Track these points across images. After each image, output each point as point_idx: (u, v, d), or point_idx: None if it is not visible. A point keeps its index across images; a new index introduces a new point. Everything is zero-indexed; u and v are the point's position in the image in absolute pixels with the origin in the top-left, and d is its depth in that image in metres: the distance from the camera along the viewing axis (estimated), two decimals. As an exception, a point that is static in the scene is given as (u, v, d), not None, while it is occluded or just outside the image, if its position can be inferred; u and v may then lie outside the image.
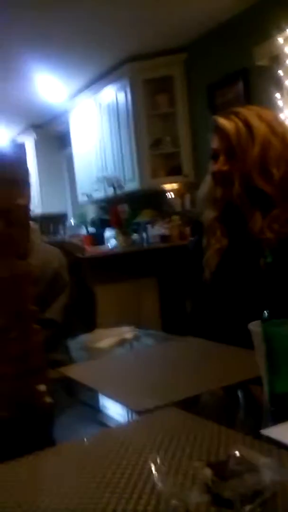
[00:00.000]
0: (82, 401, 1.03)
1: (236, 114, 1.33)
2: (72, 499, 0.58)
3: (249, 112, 1.33)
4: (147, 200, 5.08)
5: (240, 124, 1.30)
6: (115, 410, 0.92)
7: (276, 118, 1.39)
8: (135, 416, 0.83)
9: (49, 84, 5.12)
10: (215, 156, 1.36)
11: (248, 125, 1.30)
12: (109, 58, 4.67)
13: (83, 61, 4.68)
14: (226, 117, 1.33)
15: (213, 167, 1.37)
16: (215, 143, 1.36)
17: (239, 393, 0.93)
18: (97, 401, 0.98)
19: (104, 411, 0.95)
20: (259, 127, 1.29)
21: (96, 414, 0.95)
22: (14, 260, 0.86)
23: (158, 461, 0.59)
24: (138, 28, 4.07)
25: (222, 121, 1.33)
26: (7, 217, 0.87)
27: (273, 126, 1.32)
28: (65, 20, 3.78)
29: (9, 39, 4.02)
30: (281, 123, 1.37)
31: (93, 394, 0.99)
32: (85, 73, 5.01)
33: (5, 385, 0.86)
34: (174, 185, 4.85)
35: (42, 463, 0.69)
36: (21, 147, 0.92)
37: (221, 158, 1.33)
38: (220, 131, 1.33)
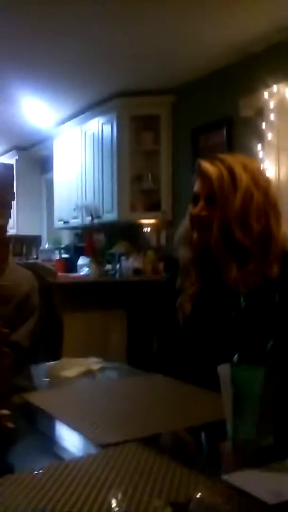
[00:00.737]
0: (43, 429, 1.01)
1: (221, 161, 1.32)
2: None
3: (234, 160, 1.33)
4: (123, 232, 5.12)
5: (224, 171, 1.30)
6: (76, 442, 0.91)
7: (260, 170, 1.39)
8: (96, 450, 0.82)
9: (36, 109, 5.18)
10: (195, 199, 1.36)
11: (232, 174, 1.30)
12: (99, 91, 4.77)
13: (72, 90, 4.76)
14: (211, 162, 1.33)
15: (192, 210, 1.36)
16: (197, 186, 1.36)
17: (202, 435, 0.94)
18: (59, 431, 0.97)
19: (65, 442, 0.94)
20: (243, 178, 1.29)
21: (56, 444, 0.94)
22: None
23: (119, 496, 0.59)
24: (130, 65, 4.19)
25: (206, 166, 1.32)
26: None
27: (257, 178, 1.32)
28: (58, 48, 3.86)
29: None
30: (264, 176, 1.37)
31: (55, 424, 0.97)
32: (73, 102, 5.09)
33: None
34: (152, 221, 4.91)
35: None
36: (9, 169, 0.93)
37: (201, 202, 1.33)
38: (203, 175, 1.33)
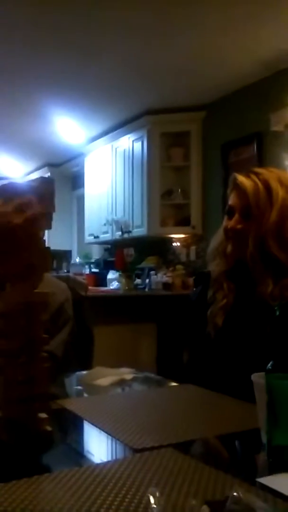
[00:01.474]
0: (79, 434, 1.04)
1: (257, 175, 1.33)
2: (69, 524, 0.59)
3: (270, 175, 1.33)
4: (153, 247, 5.15)
5: (260, 185, 1.31)
6: (111, 447, 0.92)
7: None
8: (131, 454, 0.84)
9: (68, 127, 5.31)
10: (230, 213, 1.37)
11: (268, 188, 1.30)
12: (130, 108, 4.86)
13: (104, 108, 4.87)
14: (247, 175, 1.34)
15: (227, 223, 1.37)
16: (232, 199, 1.37)
17: (236, 443, 0.94)
18: (94, 436, 0.99)
19: (100, 446, 0.95)
20: (279, 192, 1.30)
21: (92, 448, 0.96)
22: (31, 287, 0.90)
23: (157, 494, 0.60)
24: (161, 82, 4.26)
25: (242, 179, 1.33)
26: (32, 246, 0.91)
27: None
28: (90, 67, 3.97)
29: (32, 81, 4.20)
30: None
31: (90, 429, 0.99)
32: (104, 119, 5.20)
33: (9, 408, 0.87)
34: (181, 235, 4.93)
35: (40, 487, 0.69)
36: (49, 182, 0.97)
37: (237, 216, 1.34)
38: (238, 188, 1.34)
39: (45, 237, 0.98)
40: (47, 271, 0.91)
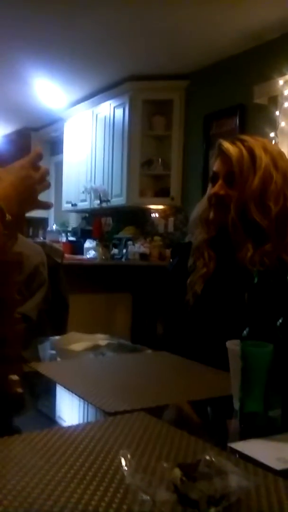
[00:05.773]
0: (51, 397, 1.03)
1: (242, 142, 1.33)
2: (37, 485, 0.58)
3: (255, 142, 1.33)
4: (131, 217, 5.12)
5: (245, 151, 1.30)
6: (83, 410, 0.92)
7: (280, 153, 1.37)
8: (104, 417, 0.83)
9: (48, 90, 5.16)
10: (214, 179, 1.36)
11: (252, 155, 1.30)
12: (112, 73, 4.74)
13: (85, 72, 4.74)
14: (232, 142, 1.33)
15: (211, 189, 1.37)
16: (216, 165, 1.37)
17: (208, 409, 0.95)
18: (66, 399, 0.98)
19: (73, 409, 0.95)
20: (263, 159, 1.29)
21: (64, 411, 0.95)
22: (5, 246, 0.87)
23: (128, 456, 0.60)
24: (144, 48, 4.16)
25: (227, 146, 1.32)
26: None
27: (277, 159, 1.32)
28: (72, 29, 3.83)
29: (11, 42, 4.05)
30: (284, 159, 1.36)
31: (63, 392, 0.98)
32: (86, 84, 5.07)
33: (-21, 370, 0.85)
34: (160, 207, 4.90)
35: (9, 448, 0.68)
36: (27, 137, 0.93)
37: (220, 181, 1.34)
38: (223, 154, 1.33)
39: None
40: (22, 230, 0.87)
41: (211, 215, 1.36)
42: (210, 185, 1.39)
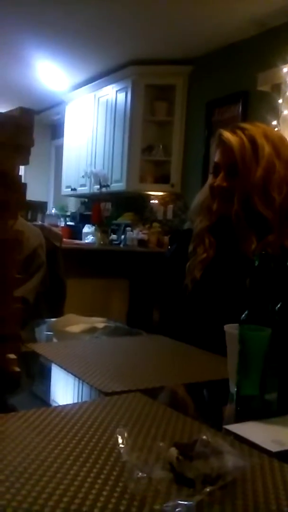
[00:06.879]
0: (48, 377, 1.03)
1: (243, 130, 1.30)
2: (34, 461, 0.58)
3: (256, 130, 1.30)
4: (130, 203, 5.10)
5: (246, 141, 1.27)
6: (80, 389, 0.92)
7: (282, 139, 1.35)
8: (100, 397, 0.84)
9: (50, 72, 5.11)
10: (216, 170, 1.34)
11: (254, 144, 1.27)
12: (115, 57, 4.69)
13: (88, 55, 4.69)
14: (232, 131, 1.30)
15: (213, 180, 1.34)
16: (217, 157, 1.34)
17: (205, 391, 0.95)
18: (64, 379, 0.98)
19: (69, 389, 0.95)
20: (265, 148, 1.27)
21: (61, 390, 0.95)
22: (6, 225, 0.86)
23: (125, 434, 0.60)
24: (148, 33, 4.11)
25: (228, 135, 1.29)
26: (4, 180, 0.87)
27: (279, 147, 1.30)
28: (75, 11, 3.78)
29: (13, 24, 4.00)
30: (286, 145, 1.33)
31: (60, 372, 0.99)
32: (88, 67, 5.01)
33: (-24, 347, 0.85)
34: (160, 193, 4.88)
35: (6, 425, 0.68)
36: (29, 113, 0.91)
37: (222, 173, 1.31)
38: (224, 145, 1.30)
39: (21, 174, 0.94)
40: (22, 208, 0.87)
41: (215, 206, 1.34)
42: (211, 175, 1.36)
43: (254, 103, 3.89)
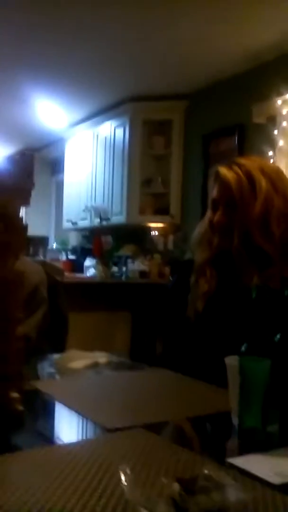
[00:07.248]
0: (51, 414, 1.03)
1: (239, 166, 1.32)
2: (39, 500, 0.59)
3: (252, 165, 1.32)
4: (131, 235, 5.14)
5: (243, 177, 1.30)
6: (83, 426, 0.92)
7: (278, 173, 1.37)
8: (103, 434, 0.84)
9: (49, 110, 5.23)
10: (214, 206, 1.36)
11: (251, 179, 1.29)
12: (112, 95, 4.81)
13: (86, 93, 4.81)
14: (229, 167, 1.33)
15: (211, 216, 1.36)
16: (215, 192, 1.36)
17: (207, 425, 0.95)
18: (67, 416, 0.98)
19: (73, 426, 0.95)
20: (262, 183, 1.28)
21: (64, 428, 0.96)
22: (8, 265, 0.88)
23: (128, 471, 0.60)
24: (144, 70, 4.22)
25: (225, 172, 1.32)
26: (6, 223, 0.90)
27: (275, 181, 1.31)
28: (72, 51, 3.90)
29: (12, 63, 4.12)
30: (282, 178, 1.36)
31: (63, 409, 0.99)
32: (86, 105, 5.14)
33: (-20, 386, 0.86)
34: (160, 224, 4.93)
35: (10, 465, 0.69)
36: (30, 159, 0.95)
37: (221, 209, 1.33)
38: (221, 181, 1.33)
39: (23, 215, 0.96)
40: (23, 250, 0.89)
41: (215, 241, 1.35)
42: (210, 211, 1.38)
43: (250, 135, 3.97)
